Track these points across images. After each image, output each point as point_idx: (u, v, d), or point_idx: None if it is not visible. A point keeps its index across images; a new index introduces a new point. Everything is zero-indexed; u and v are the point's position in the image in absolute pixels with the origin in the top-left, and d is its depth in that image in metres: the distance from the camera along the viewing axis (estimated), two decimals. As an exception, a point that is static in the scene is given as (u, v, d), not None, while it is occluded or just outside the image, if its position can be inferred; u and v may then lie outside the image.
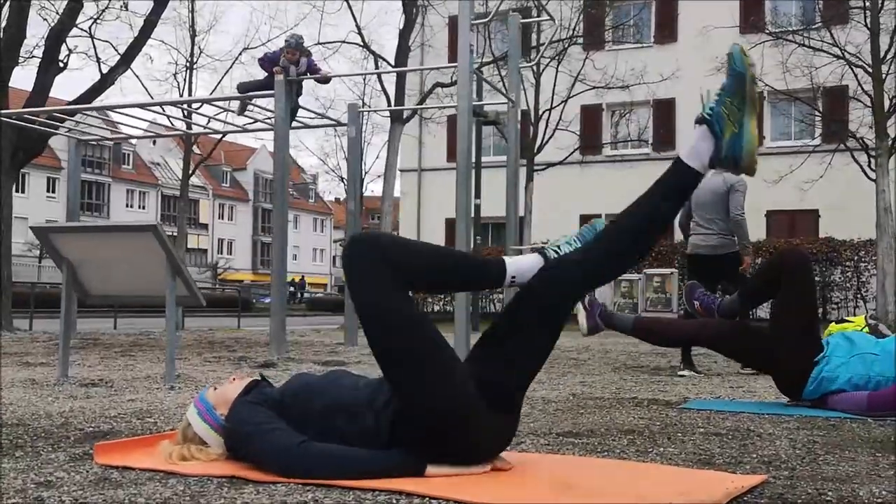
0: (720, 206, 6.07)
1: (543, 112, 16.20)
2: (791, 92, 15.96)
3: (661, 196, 2.13)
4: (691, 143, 2.10)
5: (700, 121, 2.10)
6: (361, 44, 11.44)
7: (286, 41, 7.36)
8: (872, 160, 12.51)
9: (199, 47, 16.21)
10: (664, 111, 22.37)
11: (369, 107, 18.89)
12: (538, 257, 2.15)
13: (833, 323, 6.56)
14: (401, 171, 26.64)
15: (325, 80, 7.49)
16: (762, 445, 2.62)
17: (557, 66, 15.27)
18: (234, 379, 2.39)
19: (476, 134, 15.89)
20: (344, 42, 11.95)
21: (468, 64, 6.70)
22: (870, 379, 3.28)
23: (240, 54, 16.04)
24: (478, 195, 14.42)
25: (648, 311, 20.39)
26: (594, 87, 16.99)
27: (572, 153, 17.46)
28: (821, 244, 18.82)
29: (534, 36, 16.05)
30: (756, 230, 20.76)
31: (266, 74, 7.67)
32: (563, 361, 7.77)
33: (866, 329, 6.21)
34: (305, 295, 62.98)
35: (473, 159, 14.96)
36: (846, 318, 6.60)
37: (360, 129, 8.75)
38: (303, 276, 55.02)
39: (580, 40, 16.91)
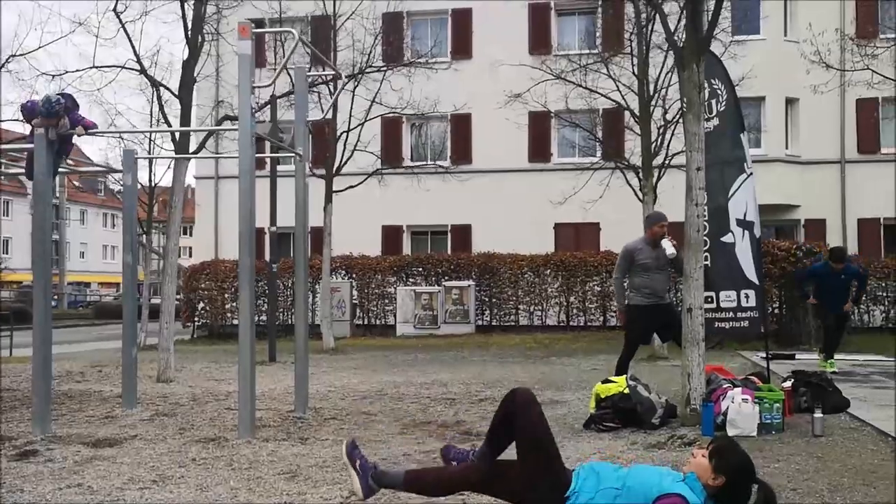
0: None
1: (341, 134, 16.14)
2: (573, 113, 17.03)
3: None
4: None
5: None
6: (140, 70, 10.71)
7: (42, 103, 6.55)
8: (641, 191, 13.60)
9: (-45, 52, 14.39)
10: (461, 125, 23.11)
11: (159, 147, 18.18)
12: None
13: (599, 384, 7.10)
14: (196, 177, 25.44)
15: (85, 133, 6.87)
16: None
17: (354, 89, 15.27)
18: None
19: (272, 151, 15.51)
20: (123, 68, 11.13)
21: (249, 128, 6.50)
22: None
23: (7, 61, 14.40)
24: (274, 221, 14.16)
25: (448, 323, 21.15)
26: (391, 112, 17.17)
27: (374, 173, 17.57)
28: (601, 256, 20.49)
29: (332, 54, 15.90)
30: (546, 242, 22.20)
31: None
32: (355, 416, 7.66)
33: (626, 390, 6.80)
34: (92, 298, 57.67)
35: (269, 171, 14.62)
36: (610, 379, 7.16)
37: (136, 175, 8.23)
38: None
39: (379, 61, 17.01)
